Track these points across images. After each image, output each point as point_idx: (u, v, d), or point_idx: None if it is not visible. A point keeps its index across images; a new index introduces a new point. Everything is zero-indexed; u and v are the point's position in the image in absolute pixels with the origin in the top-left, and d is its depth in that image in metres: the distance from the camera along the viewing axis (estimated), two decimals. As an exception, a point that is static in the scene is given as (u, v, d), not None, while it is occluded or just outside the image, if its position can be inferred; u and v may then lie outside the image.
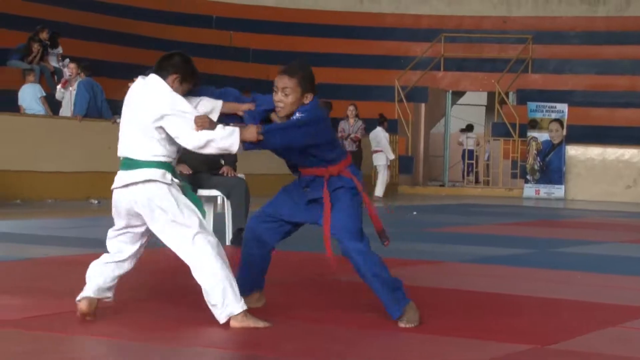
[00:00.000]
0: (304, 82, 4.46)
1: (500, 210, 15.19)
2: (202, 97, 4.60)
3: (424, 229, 10.71)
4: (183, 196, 4.38)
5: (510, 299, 5.50)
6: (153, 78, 4.46)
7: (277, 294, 5.17)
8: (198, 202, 4.47)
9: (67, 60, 16.32)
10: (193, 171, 7.77)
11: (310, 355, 3.81)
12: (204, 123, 4.26)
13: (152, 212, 4.29)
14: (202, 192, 7.93)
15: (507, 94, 22.33)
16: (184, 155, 7.73)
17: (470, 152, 23.78)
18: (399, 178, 20.90)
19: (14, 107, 14.21)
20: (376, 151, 17.93)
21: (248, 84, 20.85)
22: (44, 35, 16.43)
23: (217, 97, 4.64)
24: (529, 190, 20.12)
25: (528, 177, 20.27)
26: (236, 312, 4.24)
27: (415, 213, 13.54)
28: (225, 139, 4.25)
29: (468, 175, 23.33)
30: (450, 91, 23.88)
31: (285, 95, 4.44)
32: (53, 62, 16.60)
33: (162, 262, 5.82)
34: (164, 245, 4.38)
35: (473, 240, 9.34)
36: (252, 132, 4.27)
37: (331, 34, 24.04)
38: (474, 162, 23.58)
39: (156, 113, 4.30)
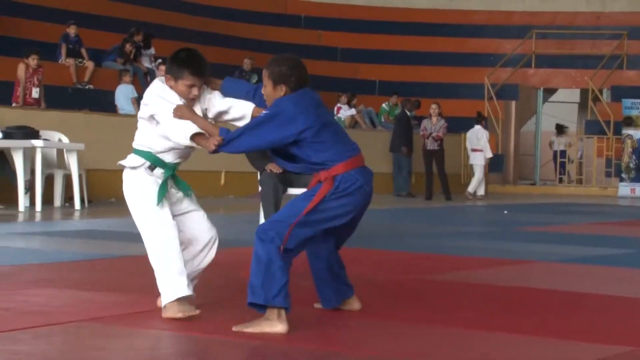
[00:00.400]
0: (274, 74, 4.36)
1: (594, 209, 14.88)
2: (233, 102, 4.59)
3: (515, 228, 10.57)
4: (152, 187, 4.46)
5: (605, 300, 5.38)
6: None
7: (375, 295, 5.15)
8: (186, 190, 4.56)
9: (160, 60, 16.61)
10: (283, 169, 7.80)
11: (403, 355, 3.78)
12: (182, 114, 4.34)
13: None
14: (292, 191, 7.96)
15: (600, 91, 21.87)
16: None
17: (563, 152, 23.39)
18: (489, 177, 20.67)
19: (108, 106, 14.53)
20: (475, 150, 17.79)
21: (336, 83, 20.94)
22: (138, 37, 16.77)
23: (247, 92, 4.62)
24: (624, 189, 19.68)
25: (623, 175, 19.83)
26: (167, 301, 4.25)
27: (506, 212, 13.36)
28: (178, 135, 4.35)
29: (560, 174, 22.94)
30: (542, 88, 23.51)
31: (264, 87, 4.43)
32: (146, 63, 16.92)
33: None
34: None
35: (567, 240, 9.18)
36: (211, 143, 4.28)
37: (420, 32, 23.93)
38: (566, 160, 23.18)
39: (142, 105, 4.50)
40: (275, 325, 4.03)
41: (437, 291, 5.56)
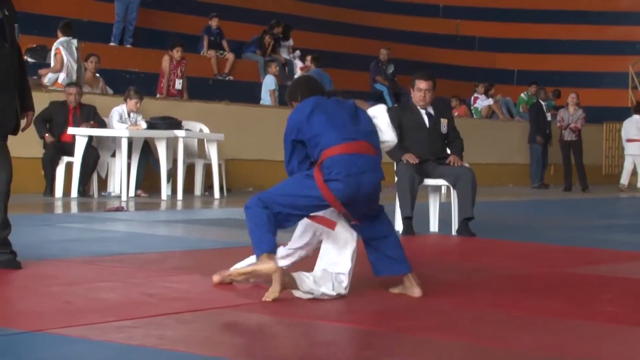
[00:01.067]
0: (287, 96, 4.85)
1: None
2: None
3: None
4: None
5: None
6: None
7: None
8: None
9: (298, 52, 16.83)
10: (420, 160, 7.81)
11: (547, 350, 3.74)
12: None
13: None
14: (429, 182, 7.96)
15: None
16: (410, 144, 7.87)
17: None
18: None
19: (248, 97, 14.82)
20: (631, 140, 17.31)
21: (473, 73, 20.71)
22: (278, 29, 17.04)
23: None
24: None
25: None
26: None
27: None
28: None
29: None
30: (689, 76, 22.61)
31: None
32: (284, 54, 17.17)
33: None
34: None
35: None
36: None
37: (560, 20, 23.37)
38: None
39: None
40: (265, 263, 4.35)
41: (575, 284, 5.45)
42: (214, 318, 4.13)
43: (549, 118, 17.00)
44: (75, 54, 12.33)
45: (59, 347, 3.46)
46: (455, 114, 16.64)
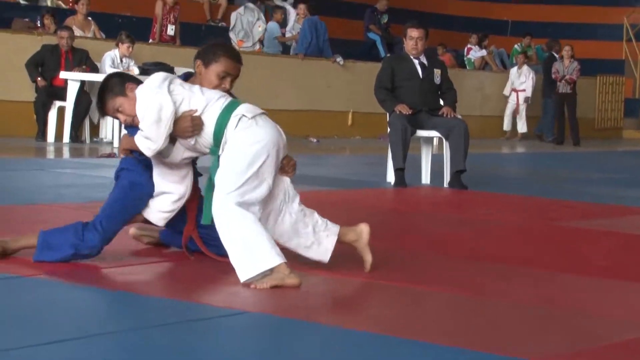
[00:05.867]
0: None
1: None
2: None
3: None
4: None
5: None
6: None
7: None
8: None
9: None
10: (413, 111, 7.79)
11: (546, 301, 3.76)
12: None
13: None
14: (421, 133, 7.94)
15: None
16: (403, 95, 7.85)
17: None
18: (624, 122, 20.06)
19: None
20: None
21: (467, 23, 20.56)
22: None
23: None
24: None
25: None
26: None
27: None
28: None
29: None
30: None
31: None
32: (277, 1, 17.01)
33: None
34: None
35: None
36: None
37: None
38: None
39: None
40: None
41: (569, 238, 5.48)
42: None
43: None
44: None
45: (52, 290, 3.48)
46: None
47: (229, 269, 3.73)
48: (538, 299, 3.74)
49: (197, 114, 3.83)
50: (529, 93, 17.36)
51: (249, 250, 3.67)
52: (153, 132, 3.77)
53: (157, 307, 3.33)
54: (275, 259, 3.66)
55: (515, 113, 17.46)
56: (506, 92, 17.61)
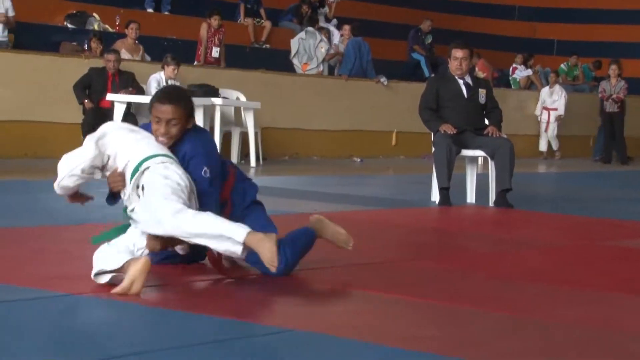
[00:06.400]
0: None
1: None
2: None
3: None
4: None
5: None
6: None
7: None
8: None
9: (335, 20, 16.73)
10: (458, 130, 7.75)
11: (589, 322, 3.70)
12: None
13: None
14: (466, 152, 7.90)
15: None
16: (447, 115, 7.82)
17: None
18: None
19: (285, 66, 14.78)
20: None
21: (512, 43, 20.47)
22: (316, -2, 16.95)
23: None
24: None
25: None
26: None
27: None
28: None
29: None
30: None
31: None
32: (322, 23, 17.08)
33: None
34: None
35: None
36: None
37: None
38: None
39: None
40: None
41: (617, 258, 5.39)
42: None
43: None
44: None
45: (99, 309, 3.50)
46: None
47: (276, 287, 3.72)
48: (588, 320, 3.68)
49: (119, 170, 4.03)
50: (561, 112, 17.22)
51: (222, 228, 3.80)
52: (63, 168, 4.06)
53: (205, 325, 3.33)
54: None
55: (545, 131, 17.34)
56: (537, 111, 17.49)
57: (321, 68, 15.10)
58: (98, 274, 3.81)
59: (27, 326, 3.21)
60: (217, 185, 4.21)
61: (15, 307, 3.48)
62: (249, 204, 4.40)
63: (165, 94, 4.25)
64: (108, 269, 3.78)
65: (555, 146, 17.32)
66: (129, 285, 3.64)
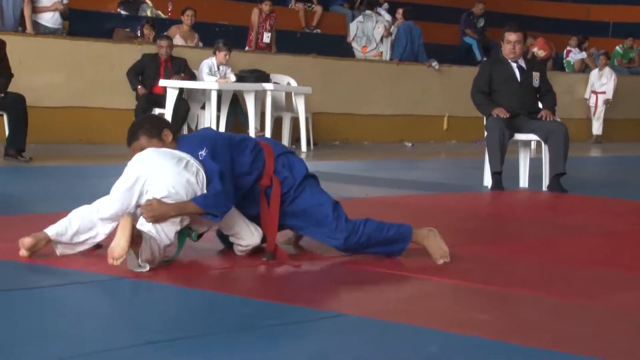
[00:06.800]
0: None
1: None
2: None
3: None
4: None
5: None
6: None
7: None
8: None
9: (386, 4, 16.63)
10: (510, 114, 7.68)
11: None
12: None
13: None
14: (519, 136, 7.82)
15: None
16: (500, 98, 7.74)
17: None
18: None
19: (336, 51, 14.75)
20: None
21: (567, 25, 20.16)
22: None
23: None
24: None
25: None
26: None
27: None
28: None
29: None
30: None
31: None
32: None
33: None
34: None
35: None
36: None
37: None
38: None
39: None
40: None
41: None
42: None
43: None
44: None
45: (148, 291, 3.54)
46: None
47: (327, 272, 3.72)
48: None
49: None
50: (609, 95, 16.95)
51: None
52: (115, 194, 4.00)
53: (255, 309, 3.34)
54: None
55: (593, 115, 17.09)
56: (586, 95, 17.23)
57: (381, 49, 15.07)
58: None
59: (84, 309, 3.26)
60: (224, 162, 4.05)
61: (68, 290, 3.53)
62: (301, 180, 4.31)
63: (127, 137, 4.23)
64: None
65: (597, 130, 17.03)
66: (117, 242, 3.62)
